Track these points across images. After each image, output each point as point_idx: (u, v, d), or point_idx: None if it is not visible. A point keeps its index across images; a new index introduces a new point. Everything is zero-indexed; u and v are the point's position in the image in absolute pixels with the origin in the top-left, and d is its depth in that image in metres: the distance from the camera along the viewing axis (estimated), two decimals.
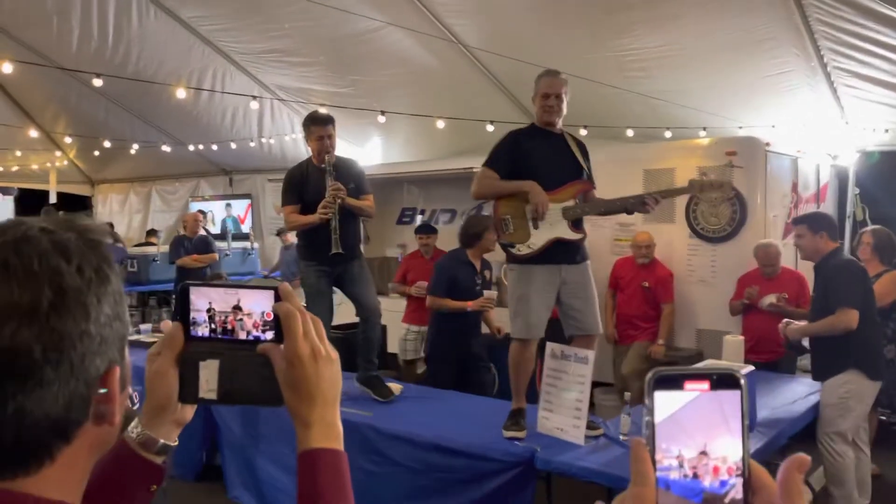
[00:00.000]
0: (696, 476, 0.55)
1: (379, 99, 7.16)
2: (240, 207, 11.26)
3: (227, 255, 9.52)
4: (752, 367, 3.77)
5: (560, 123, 3.60)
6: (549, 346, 3.64)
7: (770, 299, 4.93)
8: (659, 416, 0.56)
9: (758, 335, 4.94)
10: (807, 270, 4.74)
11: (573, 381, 3.48)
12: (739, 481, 0.55)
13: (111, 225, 11.08)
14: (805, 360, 5.65)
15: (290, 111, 8.95)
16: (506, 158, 3.54)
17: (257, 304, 0.90)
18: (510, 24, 6.16)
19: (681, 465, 0.55)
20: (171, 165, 11.17)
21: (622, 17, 5.56)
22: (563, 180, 3.49)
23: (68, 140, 10.97)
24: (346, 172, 4.16)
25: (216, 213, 11.37)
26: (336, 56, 7.26)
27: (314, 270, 4.22)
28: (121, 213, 12.66)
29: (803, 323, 4.22)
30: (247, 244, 10.27)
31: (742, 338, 4.59)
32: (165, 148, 10.02)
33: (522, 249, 3.47)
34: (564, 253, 3.48)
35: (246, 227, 10.99)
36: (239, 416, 4.52)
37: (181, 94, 6.95)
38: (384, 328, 5.04)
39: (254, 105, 7.27)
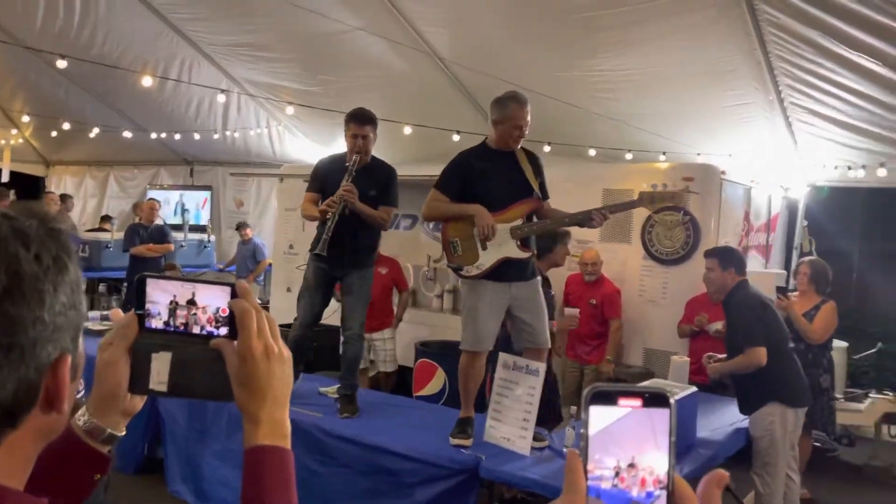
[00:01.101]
0: (624, 486, 0.59)
1: (348, 100, 7.14)
2: (198, 199, 11.12)
3: (182, 246, 9.38)
4: (694, 389, 3.88)
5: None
6: (502, 356, 3.70)
7: (716, 326, 5.04)
8: (593, 429, 0.60)
9: (703, 358, 5.07)
10: None
11: (523, 392, 3.54)
12: (664, 493, 0.59)
13: (68, 196, 10.82)
14: None
15: (257, 106, 8.88)
16: (455, 180, 3.60)
17: (213, 300, 0.92)
18: (483, 37, 6.23)
19: (611, 476, 0.59)
20: (131, 151, 10.97)
21: (593, 39, 5.66)
22: (511, 200, 3.54)
23: (26, 119, 10.68)
24: (373, 178, 4.02)
25: (172, 201, 11.21)
26: (308, 54, 7.24)
27: (313, 265, 4.14)
28: (75, 197, 12.37)
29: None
30: (204, 236, 10.14)
31: (688, 359, 4.71)
32: (127, 133, 9.85)
33: (471, 271, 3.54)
34: (514, 271, 3.54)
35: (204, 219, 10.85)
36: (185, 408, 4.47)
37: (147, 81, 6.83)
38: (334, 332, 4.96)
39: (221, 98, 7.20)
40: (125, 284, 8.34)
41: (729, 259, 4.24)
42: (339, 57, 7.01)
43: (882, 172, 5.83)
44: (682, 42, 5.40)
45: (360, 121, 4.02)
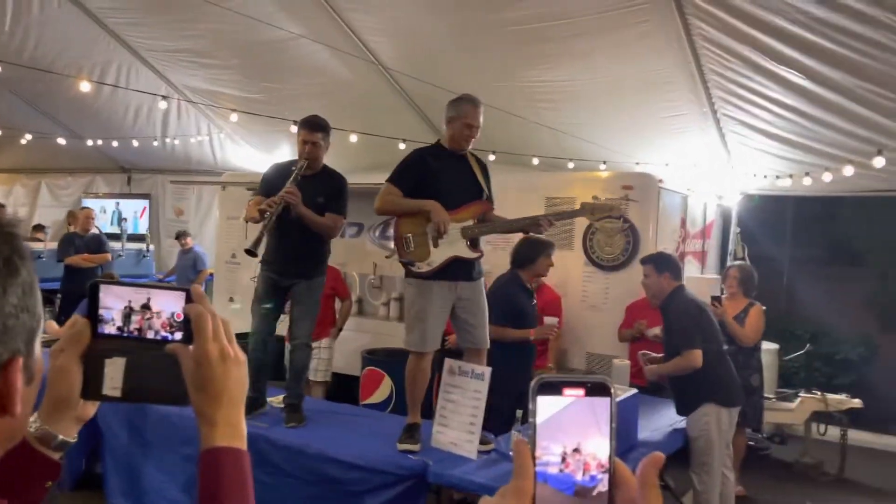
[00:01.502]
0: (570, 471, 0.63)
1: (291, 108, 7.11)
2: (137, 207, 10.85)
3: (120, 255, 9.14)
4: (635, 391, 3.99)
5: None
6: (448, 362, 3.74)
7: (655, 331, 5.19)
8: (540, 418, 0.64)
9: (637, 355, 5.21)
10: None
11: (469, 396, 3.58)
12: (606, 477, 0.63)
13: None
14: None
15: (198, 113, 8.74)
16: (410, 176, 3.64)
17: (168, 305, 0.93)
18: (427, 47, 6.29)
19: (557, 462, 0.63)
20: (64, 159, 10.65)
21: (535, 50, 5.78)
22: (464, 201, 3.62)
23: None
24: (322, 185, 3.99)
25: (109, 210, 10.92)
26: (250, 61, 7.17)
27: (264, 275, 4.11)
28: (5, 206, 11.91)
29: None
30: (142, 246, 9.90)
31: (629, 363, 4.85)
32: (61, 140, 9.55)
33: (423, 267, 3.58)
34: (461, 270, 3.61)
35: (142, 228, 10.60)
36: (126, 422, 4.36)
37: (85, 87, 6.65)
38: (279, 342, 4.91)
39: (162, 104, 7.06)
40: (59, 296, 8.07)
41: (664, 264, 4.37)
42: (282, 64, 6.97)
43: (807, 181, 6.11)
44: (618, 54, 5.57)
45: (310, 127, 4.02)
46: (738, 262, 5.72)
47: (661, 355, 4.43)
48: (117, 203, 10.85)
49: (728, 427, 4.25)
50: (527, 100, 6.35)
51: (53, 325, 5.67)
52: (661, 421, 4.43)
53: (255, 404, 4.14)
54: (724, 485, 4.28)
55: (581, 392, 0.64)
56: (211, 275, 8.42)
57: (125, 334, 0.93)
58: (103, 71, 7.93)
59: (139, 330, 0.93)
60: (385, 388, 5.52)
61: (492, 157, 6.55)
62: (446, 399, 3.67)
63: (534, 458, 0.63)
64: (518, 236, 4.74)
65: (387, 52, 6.51)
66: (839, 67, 4.61)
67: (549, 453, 0.63)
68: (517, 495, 0.62)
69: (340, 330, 5.87)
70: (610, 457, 0.63)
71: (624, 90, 5.96)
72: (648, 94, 5.94)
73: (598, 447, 0.63)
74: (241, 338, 4.53)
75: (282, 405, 4.17)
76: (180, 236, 9.10)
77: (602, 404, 0.64)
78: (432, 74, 6.04)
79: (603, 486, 0.63)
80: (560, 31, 5.46)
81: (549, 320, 4.70)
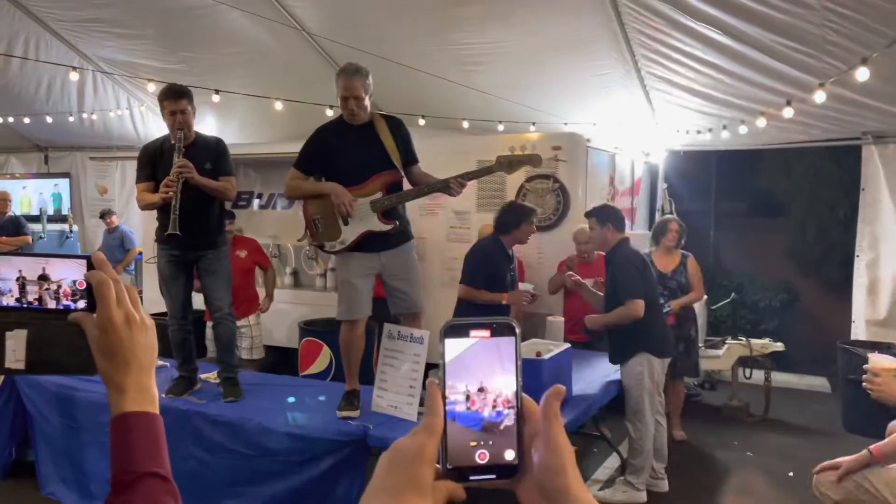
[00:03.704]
0: (476, 408, 0.65)
1: (214, 78, 6.90)
2: (57, 187, 10.40)
3: (41, 237, 8.78)
4: (568, 346, 4.09)
5: (366, 114, 3.61)
6: (386, 327, 3.76)
7: (586, 283, 5.33)
8: (448, 359, 0.65)
9: (576, 317, 5.33)
10: None
11: (408, 360, 3.61)
12: (512, 412, 0.65)
13: None
14: None
15: (116, 86, 8.39)
16: (312, 157, 3.62)
17: (68, 273, 0.91)
18: (353, 10, 6.17)
19: (464, 399, 0.65)
20: None
21: (459, 12, 5.74)
22: (369, 173, 3.55)
23: None
24: (204, 151, 3.90)
25: (31, 192, 10.44)
26: (166, 30, 6.90)
27: (164, 254, 4.00)
28: None
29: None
30: (65, 227, 9.52)
31: (562, 319, 4.96)
32: None
33: (335, 247, 3.59)
34: (380, 241, 3.59)
35: (64, 209, 10.19)
36: (56, 405, 4.23)
37: None
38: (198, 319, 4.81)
39: (73, 76, 6.75)
40: None
41: (606, 216, 4.45)
42: (200, 32, 6.74)
43: (725, 135, 6.31)
44: (542, 15, 5.58)
45: (174, 96, 3.90)
46: (674, 216, 5.87)
47: (588, 280, 4.61)
48: (56, 184, 10.37)
49: (660, 376, 4.41)
50: (455, 63, 6.32)
51: None
52: (595, 374, 4.56)
53: (189, 384, 4.08)
54: (657, 431, 4.46)
55: (487, 333, 0.66)
56: (140, 253, 8.18)
57: (24, 305, 0.90)
58: (10, 43, 7.50)
59: (39, 300, 0.90)
60: (324, 359, 5.51)
61: (422, 122, 6.53)
62: (386, 364, 3.69)
63: (444, 397, 0.64)
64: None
65: (311, 16, 6.36)
66: (753, 22, 4.73)
67: (457, 392, 0.65)
68: (427, 431, 0.64)
69: (271, 299, 5.70)
70: (517, 392, 0.65)
71: (549, 51, 5.99)
72: (574, 55, 5.99)
73: (504, 384, 0.65)
74: (161, 316, 4.44)
75: (217, 380, 4.12)
76: (105, 215, 8.79)
77: (508, 343, 0.66)
78: (358, 39, 5.93)
79: (509, 421, 0.65)
80: None
81: (523, 286, 4.68)
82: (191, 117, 3.93)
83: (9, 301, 0.90)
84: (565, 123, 6.60)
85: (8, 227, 7.49)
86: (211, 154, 3.94)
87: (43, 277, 0.91)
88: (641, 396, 4.30)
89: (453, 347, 0.66)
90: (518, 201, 5.15)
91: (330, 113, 6.38)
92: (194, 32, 6.76)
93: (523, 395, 0.66)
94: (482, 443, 0.65)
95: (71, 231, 9.53)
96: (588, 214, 4.59)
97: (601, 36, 5.68)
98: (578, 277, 4.67)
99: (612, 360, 4.49)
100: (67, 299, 0.91)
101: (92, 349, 0.88)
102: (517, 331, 0.67)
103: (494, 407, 0.65)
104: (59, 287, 0.91)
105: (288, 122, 7.06)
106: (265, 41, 6.66)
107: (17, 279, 0.90)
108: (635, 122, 6.72)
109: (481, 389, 0.65)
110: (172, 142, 3.84)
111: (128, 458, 0.84)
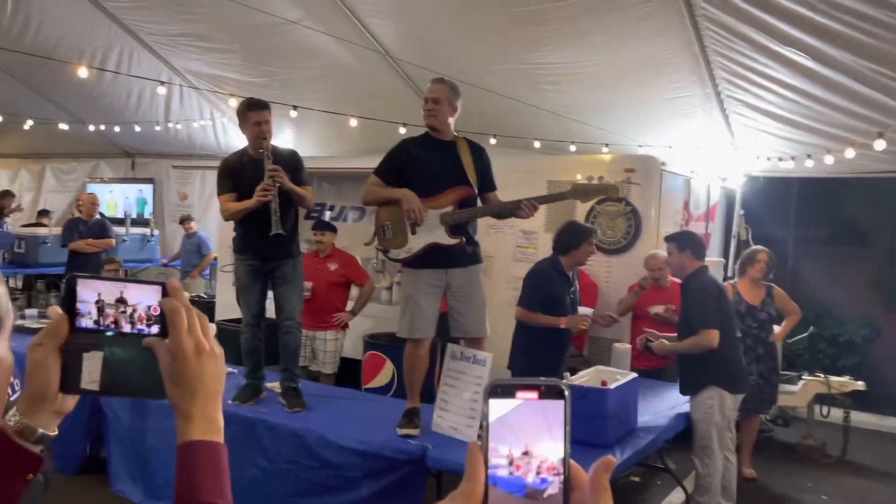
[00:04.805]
0: (520, 473, 0.63)
1: (293, 92, 7.10)
2: (141, 192, 10.88)
3: (124, 240, 9.17)
4: (635, 375, 3.99)
5: (450, 130, 3.68)
6: (450, 347, 3.75)
7: (657, 309, 5.21)
8: (492, 419, 0.63)
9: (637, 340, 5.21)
10: None
11: (470, 381, 3.59)
12: (558, 479, 0.63)
13: (10, 193, 10.45)
14: None
15: (200, 97, 8.72)
16: (390, 166, 3.66)
17: (144, 298, 0.93)
18: (428, 30, 6.24)
19: (507, 464, 0.63)
20: (68, 144, 10.65)
21: (536, 32, 5.73)
22: (443, 187, 3.57)
23: None
24: (281, 162, 4.00)
25: (118, 196, 10.96)
26: (251, 45, 7.13)
27: (244, 264, 4.11)
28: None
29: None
30: (146, 230, 9.92)
31: (629, 346, 4.85)
32: (63, 126, 9.54)
33: (400, 255, 3.59)
34: (447, 257, 3.59)
35: (147, 213, 10.63)
36: (129, 406, 4.39)
37: (83, 73, 6.65)
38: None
39: (161, 90, 7.05)
40: (64, 281, 8.11)
41: (685, 242, 4.34)
42: (282, 48, 6.93)
43: (809, 163, 6.07)
44: (620, 36, 5.51)
45: (257, 108, 4.04)
46: (761, 247, 5.61)
47: (664, 335, 4.44)
48: (135, 188, 10.87)
49: (731, 412, 4.25)
50: (528, 83, 6.31)
51: (58, 310, 5.68)
52: (662, 404, 4.43)
53: (255, 392, 4.17)
54: (726, 468, 4.29)
55: (534, 395, 0.64)
56: (215, 259, 8.44)
57: (103, 328, 0.93)
58: (104, 56, 7.91)
59: (115, 323, 0.93)
60: (387, 373, 5.54)
61: (493, 141, 6.52)
62: (447, 384, 3.68)
63: (486, 460, 0.63)
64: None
65: (387, 34, 6.46)
66: (843, 47, 4.55)
67: (499, 455, 0.63)
68: (465, 498, 0.61)
69: (354, 314, 5.73)
70: (564, 460, 0.63)
71: (626, 72, 5.91)
72: (651, 76, 5.88)
73: (551, 450, 0.63)
74: (234, 322, 4.53)
75: (280, 390, 4.19)
76: (184, 221, 9.12)
77: (556, 407, 0.64)
78: (433, 57, 6.00)
79: (553, 489, 0.63)
80: (562, 13, 5.40)
81: (582, 311, 4.54)
82: (272, 127, 4.06)
83: (87, 323, 0.93)
84: (640, 146, 6.48)
85: (94, 230, 7.84)
86: (288, 165, 4.03)
87: (120, 301, 0.93)
88: (710, 431, 4.15)
89: (498, 408, 0.64)
90: (577, 221, 5.06)
91: (403, 130, 6.46)
92: (276, 48, 6.96)
93: (571, 462, 0.64)
94: None
95: (152, 235, 9.92)
96: (668, 239, 4.48)
97: (681, 58, 5.57)
98: (662, 341, 4.41)
99: (683, 392, 4.35)
100: (142, 323, 0.93)
101: (162, 374, 0.90)
102: (566, 394, 0.64)
103: (539, 473, 0.63)
104: (135, 311, 0.93)
105: (361, 138, 7.18)
106: (343, 57, 6.80)
107: (97, 302, 0.93)
108: (713, 147, 6.55)
109: (526, 453, 0.63)
110: (259, 151, 3.95)
111: (191, 487, 0.85)
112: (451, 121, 3.67)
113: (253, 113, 4.02)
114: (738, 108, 5.97)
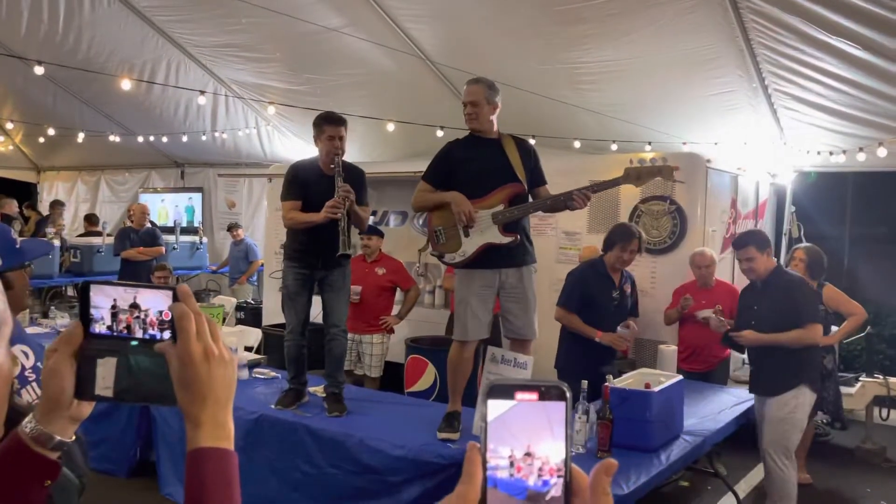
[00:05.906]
0: (521, 475, 0.60)
1: (334, 98, 7.16)
2: (191, 201, 11.14)
3: (174, 248, 9.38)
4: (680, 377, 3.88)
5: (493, 129, 3.63)
6: (490, 350, 3.71)
7: (706, 313, 5.04)
8: (490, 419, 0.61)
9: (692, 346, 5.08)
10: (741, 284, 4.85)
11: None
12: (560, 482, 0.60)
13: (60, 203, 10.82)
14: (738, 371, 5.84)
15: (245, 106, 8.88)
16: (438, 170, 3.63)
17: (155, 303, 0.93)
18: (466, 32, 6.23)
19: (508, 465, 0.60)
20: (120, 155, 10.97)
21: (575, 31, 5.67)
22: (492, 186, 3.52)
23: (10, 125, 10.68)
24: (351, 181, 3.98)
25: (169, 205, 11.24)
26: (293, 54, 7.24)
27: (294, 272, 4.12)
28: (67, 202, 12.38)
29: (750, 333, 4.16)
30: (195, 238, 10.14)
31: (675, 348, 4.73)
32: (114, 138, 9.83)
33: (455, 258, 3.55)
34: (502, 257, 3.54)
35: (196, 221, 10.87)
36: (177, 411, 4.43)
37: (126, 85, 6.87)
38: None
39: (201, 100, 7.22)
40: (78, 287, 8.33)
41: (763, 241, 4.17)
42: (324, 55, 7.01)
43: (861, 157, 5.84)
44: (662, 32, 5.41)
45: (335, 122, 4.03)
46: (804, 245, 5.42)
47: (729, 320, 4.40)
48: (187, 197, 11.15)
49: (811, 413, 4.12)
50: (569, 81, 6.24)
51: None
52: (709, 407, 4.31)
53: (297, 396, 4.21)
54: None
55: (534, 396, 0.61)
56: (262, 265, 8.58)
57: (115, 333, 0.93)
58: (153, 68, 8.13)
59: (128, 329, 0.93)
60: (429, 377, 5.54)
61: (532, 141, 6.46)
62: None
63: (484, 462, 0.60)
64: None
65: (427, 38, 6.48)
66: (891, 34, 4.37)
67: (499, 456, 0.60)
68: (461, 500, 0.59)
69: (400, 318, 5.77)
70: (566, 462, 0.60)
71: (668, 68, 5.80)
72: (694, 72, 5.76)
73: (553, 451, 0.61)
74: (278, 328, 4.55)
75: (323, 395, 4.21)
76: (232, 228, 9.29)
77: (557, 408, 0.61)
78: (472, 60, 5.99)
79: (556, 492, 0.60)
80: (600, 11, 5.33)
81: (621, 330, 4.32)
82: (346, 143, 4.05)
83: (101, 329, 0.93)
84: (684, 143, 6.35)
85: (145, 239, 8.04)
86: (355, 183, 4.01)
87: (133, 306, 0.93)
88: (793, 432, 4.00)
89: (497, 408, 0.61)
90: (627, 223, 4.96)
91: (440, 134, 6.46)
92: (318, 55, 7.05)
93: (573, 465, 0.61)
94: None
95: (201, 242, 10.14)
96: (742, 243, 4.19)
97: (725, 52, 5.44)
98: (753, 332, 4.15)
99: (760, 392, 4.16)
100: (154, 329, 0.93)
101: (172, 380, 0.90)
102: (567, 395, 0.62)
103: (541, 475, 0.60)
104: (147, 316, 0.93)
105: (402, 142, 7.21)
106: (383, 63, 6.84)
107: (111, 307, 0.93)
108: (761, 142, 6.37)
109: (528, 454, 0.61)
110: (332, 166, 3.94)
111: (201, 494, 0.85)
112: (494, 118, 3.62)
113: (329, 126, 4.01)
114: (786, 101, 5.80)
